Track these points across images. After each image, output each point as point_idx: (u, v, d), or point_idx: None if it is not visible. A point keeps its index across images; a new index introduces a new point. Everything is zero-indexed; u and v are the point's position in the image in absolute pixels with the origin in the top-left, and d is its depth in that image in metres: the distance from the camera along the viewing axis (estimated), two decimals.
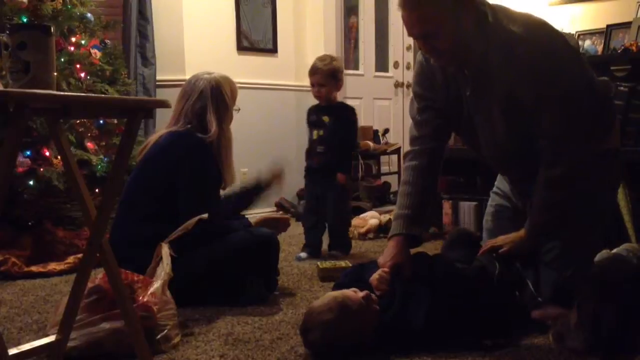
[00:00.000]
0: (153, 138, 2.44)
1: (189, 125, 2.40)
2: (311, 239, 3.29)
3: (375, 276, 1.99)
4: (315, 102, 3.38)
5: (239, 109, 2.55)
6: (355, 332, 1.76)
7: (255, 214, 3.93)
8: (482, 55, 1.90)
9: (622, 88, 3.14)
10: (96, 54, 3.43)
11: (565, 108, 1.88)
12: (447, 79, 2.05)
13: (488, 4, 1.94)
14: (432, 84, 2.10)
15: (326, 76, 3.20)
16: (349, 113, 3.31)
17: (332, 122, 3.25)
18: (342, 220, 3.32)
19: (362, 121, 5.69)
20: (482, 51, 1.90)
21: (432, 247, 3.07)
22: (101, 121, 3.35)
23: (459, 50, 1.91)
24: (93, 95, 3.02)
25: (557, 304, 1.86)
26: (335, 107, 3.30)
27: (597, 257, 2.27)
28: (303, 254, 3.21)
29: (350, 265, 2.72)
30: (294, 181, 4.93)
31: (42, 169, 3.03)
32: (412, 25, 1.88)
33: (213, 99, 2.43)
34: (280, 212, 4.78)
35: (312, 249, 3.25)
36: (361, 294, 1.81)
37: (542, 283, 1.99)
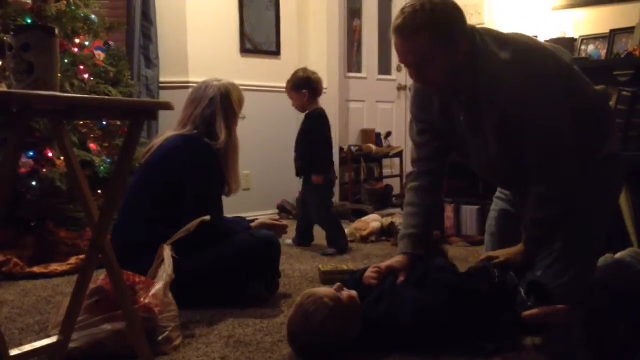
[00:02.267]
0: (158, 141, 2.44)
1: (195, 131, 2.41)
2: (297, 231, 3.71)
3: (368, 273, 2.04)
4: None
5: (244, 117, 2.57)
6: (336, 323, 1.74)
7: (255, 216, 3.93)
8: (473, 83, 1.93)
9: (625, 93, 3.14)
10: (100, 55, 3.44)
11: (547, 134, 1.90)
12: (442, 102, 2.08)
13: (477, 30, 1.96)
14: (429, 107, 2.13)
15: (289, 91, 3.56)
16: (313, 119, 3.54)
17: (301, 130, 3.60)
18: (324, 220, 3.55)
19: (365, 124, 5.70)
20: (473, 79, 1.92)
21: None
22: (104, 122, 3.36)
23: (449, 80, 1.94)
24: (96, 96, 3.02)
25: (541, 303, 1.86)
26: (307, 116, 3.58)
27: (601, 262, 2.27)
28: (289, 241, 3.66)
29: (353, 268, 2.72)
30: (296, 184, 4.95)
31: (45, 170, 3.04)
32: (405, 53, 1.92)
33: (222, 106, 2.45)
34: (282, 214, 4.82)
35: (297, 239, 3.71)
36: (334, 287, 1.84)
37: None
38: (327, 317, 1.73)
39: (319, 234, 3.94)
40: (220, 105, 2.45)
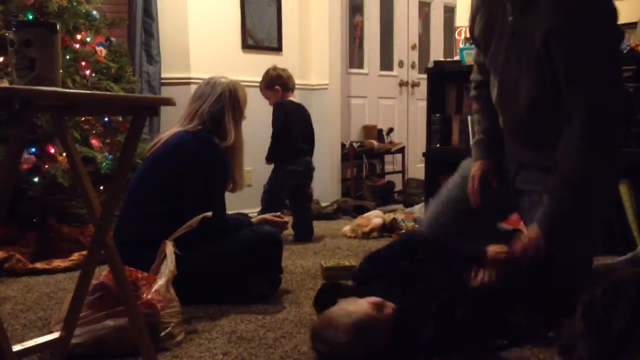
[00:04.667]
0: (164, 135, 2.44)
1: (201, 127, 2.41)
2: (293, 227, 3.74)
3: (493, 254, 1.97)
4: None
5: (245, 117, 2.57)
6: (364, 342, 1.70)
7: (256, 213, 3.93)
8: None
9: (627, 89, 3.13)
10: (101, 51, 3.44)
11: (588, 37, 1.88)
12: (490, 10, 2.11)
13: None
14: (476, 16, 2.19)
15: (263, 91, 3.78)
16: (273, 111, 3.71)
17: None
18: (263, 197, 3.71)
19: (367, 120, 5.70)
20: None
21: None
22: (106, 119, 3.36)
23: None
24: (98, 92, 3.01)
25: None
26: None
27: (622, 259, 2.25)
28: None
29: (355, 264, 2.72)
30: None
31: (47, 166, 3.04)
32: None
33: (230, 103, 2.46)
34: (284, 210, 4.81)
35: (295, 235, 3.76)
36: (371, 302, 1.75)
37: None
38: (361, 347, 1.69)
39: (319, 229, 3.94)
40: (228, 102, 2.46)
